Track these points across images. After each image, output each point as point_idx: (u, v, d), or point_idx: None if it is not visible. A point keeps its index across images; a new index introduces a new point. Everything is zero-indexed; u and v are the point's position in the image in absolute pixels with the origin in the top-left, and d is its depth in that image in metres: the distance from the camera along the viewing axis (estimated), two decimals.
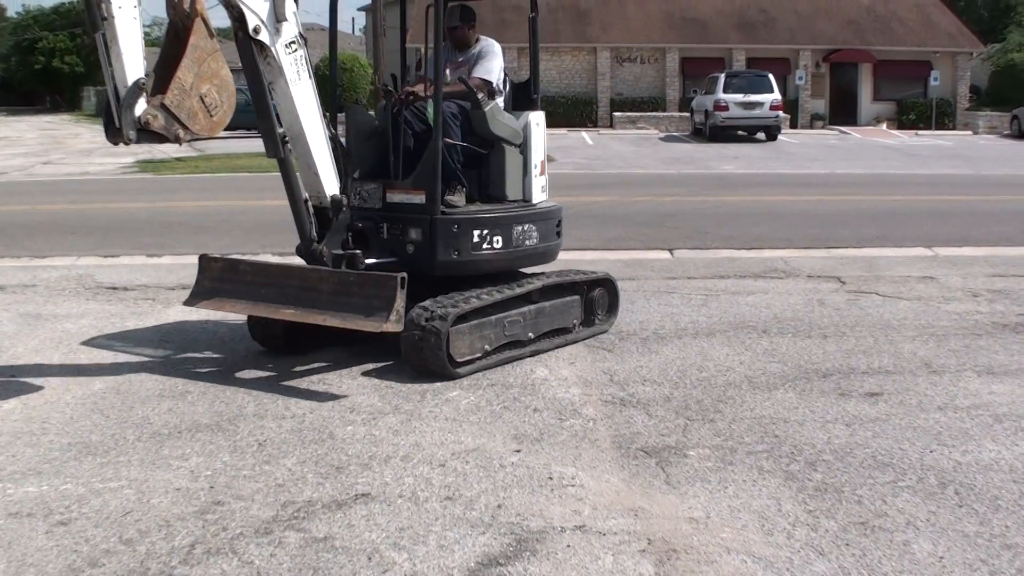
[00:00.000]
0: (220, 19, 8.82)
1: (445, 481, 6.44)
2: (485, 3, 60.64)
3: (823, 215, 20.33)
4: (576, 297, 10.04)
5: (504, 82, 10.23)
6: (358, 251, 9.08)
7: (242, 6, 8.14)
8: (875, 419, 7.65)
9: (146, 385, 8.70)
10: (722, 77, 48.66)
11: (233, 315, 10.06)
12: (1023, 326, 10.60)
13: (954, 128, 61.40)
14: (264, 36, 8.31)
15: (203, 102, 7.73)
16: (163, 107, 7.49)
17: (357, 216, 9.36)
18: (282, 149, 8.60)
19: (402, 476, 6.53)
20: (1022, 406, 8.02)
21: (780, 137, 48.34)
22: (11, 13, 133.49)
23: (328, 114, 9.35)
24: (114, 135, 7.58)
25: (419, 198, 9.21)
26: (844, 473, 6.56)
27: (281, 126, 8.61)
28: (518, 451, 6.98)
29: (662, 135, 52.60)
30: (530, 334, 9.43)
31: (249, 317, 9.64)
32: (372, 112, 10.37)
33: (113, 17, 7.27)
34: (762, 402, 8.07)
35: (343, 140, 9.57)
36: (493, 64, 10.09)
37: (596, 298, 10.28)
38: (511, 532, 5.69)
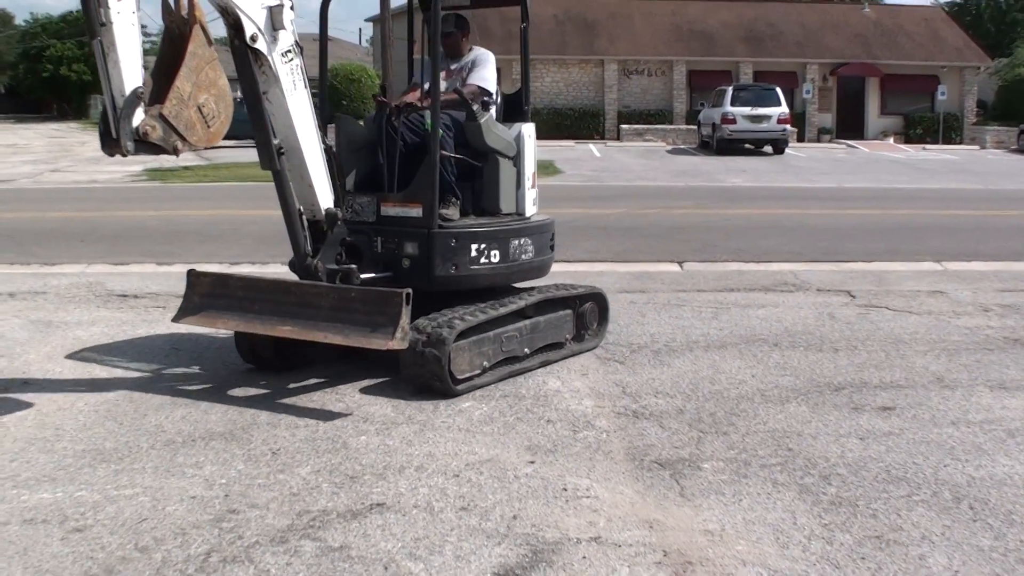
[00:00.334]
0: (217, 28, 8.80)
1: (460, 491, 6.44)
2: (493, 14, 60.79)
3: (832, 229, 20.33)
4: (568, 311, 9.94)
5: (496, 93, 10.15)
6: (353, 266, 8.88)
7: (239, 13, 7.94)
8: (888, 433, 7.64)
9: (159, 393, 8.71)
10: (730, 90, 48.70)
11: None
12: None
13: (961, 142, 61.35)
14: (261, 44, 8.11)
15: (201, 112, 7.53)
16: (161, 117, 7.29)
17: (350, 230, 9.11)
18: (277, 161, 8.39)
19: (416, 486, 6.53)
20: None
21: (787, 150, 48.37)
22: (19, 21, 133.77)
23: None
24: (111, 146, 7.28)
25: (416, 211, 9.06)
26: (858, 487, 6.56)
27: (276, 137, 8.40)
28: (532, 462, 6.98)
29: (669, 148, 52.61)
30: (526, 350, 9.31)
31: (236, 333, 9.35)
32: (361, 122, 10.19)
33: (111, 23, 7.04)
34: (775, 415, 8.07)
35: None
36: (488, 73, 10.01)
37: (587, 312, 10.18)
38: (527, 543, 5.68)
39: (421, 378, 8.51)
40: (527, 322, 9.33)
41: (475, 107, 9.42)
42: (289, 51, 8.32)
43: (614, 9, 67.91)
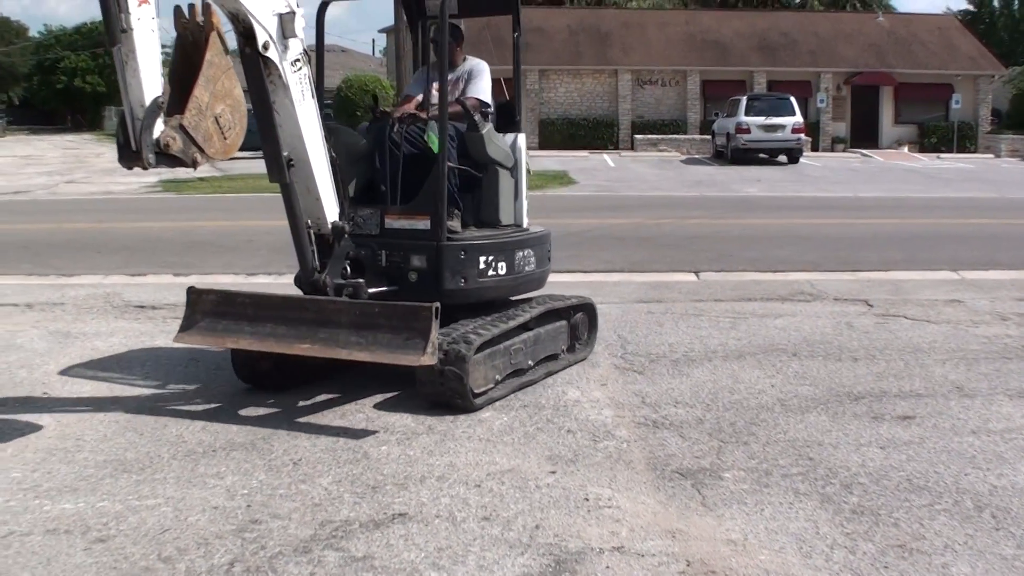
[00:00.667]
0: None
1: (482, 501, 6.44)
2: (505, 24, 60.88)
3: (848, 238, 20.30)
4: (563, 322, 9.86)
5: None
6: (361, 280, 8.75)
7: (252, 20, 7.71)
8: (909, 442, 7.63)
9: (178, 403, 8.73)
10: (744, 100, 48.67)
11: None
12: None
13: (976, 151, 61.28)
14: (272, 53, 7.89)
15: (218, 123, 7.26)
16: (181, 128, 7.02)
17: (352, 243, 8.90)
18: (287, 173, 8.23)
19: (438, 496, 6.53)
20: None
21: (802, 160, 48.34)
22: (33, 33, 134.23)
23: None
24: (130, 159, 7.05)
25: (423, 224, 8.93)
26: (880, 496, 6.55)
27: (284, 149, 8.21)
28: (553, 472, 6.98)
29: (683, 158, 52.61)
30: (529, 362, 9.23)
31: (233, 352, 9.07)
32: (356, 132, 10.01)
33: (131, 29, 6.78)
34: (795, 425, 8.06)
35: None
36: (485, 84, 9.95)
37: (579, 323, 10.11)
38: (549, 553, 5.68)
39: (441, 396, 8.40)
40: (530, 334, 9.25)
41: (477, 118, 9.35)
42: (298, 60, 8.15)
43: (628, 19, 68.10)
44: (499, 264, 9.22)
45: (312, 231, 8.58)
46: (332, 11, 10.00)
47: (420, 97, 9.97)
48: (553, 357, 9.64)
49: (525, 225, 9.97)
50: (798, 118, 48.07)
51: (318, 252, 8.63)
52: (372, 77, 59.35)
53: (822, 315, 12.32)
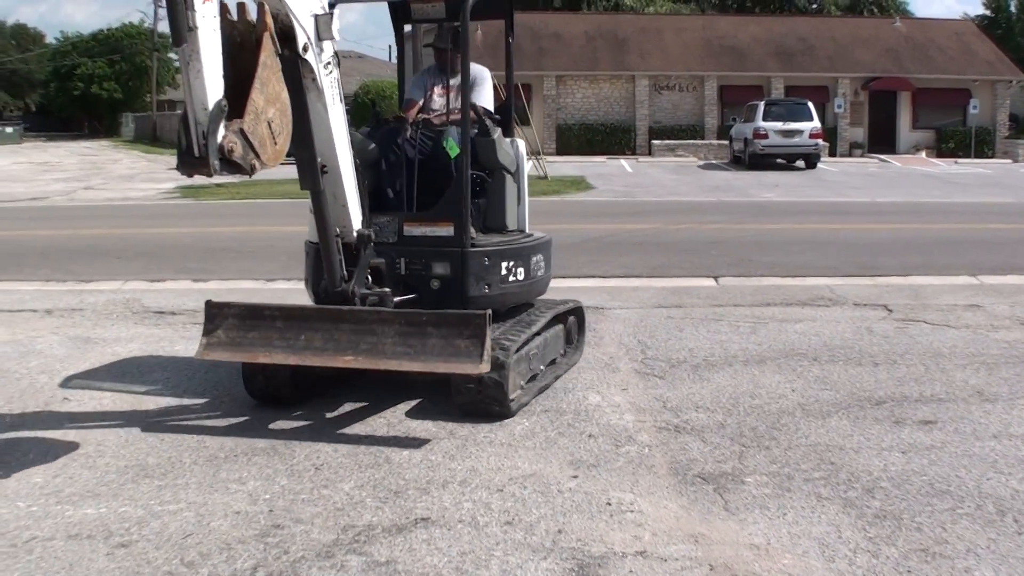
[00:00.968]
0: None
1: (504, 506, 6.44)
2: (524, 32, 60.80)
3: (866, 243, 20.26)
4: (561, 326, 9.82)
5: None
6: (387, 289, 8.58)
7: (294, 21, 7.45)
8: (930, 447, 7.61)
9: (199, 408, 8.76)
10: (761, 105, 48.59)
11: None
12: None
13: (993, 156, 61.18)
14: (311, 55, 7.66)
15: (270, 128, 6.92)
16: (241, 133, 6.69)
17: (374, 251, 8.68)
18: (321, 180, 8.03)
19: (461, 501, 6.54)
20: None
21: (819, 165, 48.25)
22: (50, 39, 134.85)
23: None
24: (192, 165, 6.69)
25: (445, 230, 8.77)
26: (902, 500, 6.53)
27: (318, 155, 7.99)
28: (575, 477, 6.97)
29: (701, 163, 52.59)
30: (541, 367, 9.18)
31: (245, 366, 8.71)
32: (364, 137, 9.64)
33: (197, 28, 6.49)
34: (816, 429, 8.05)
35: None
36: (488, 91, 9.87)
37: (571, 327, 10.09)
38: (573, 557, 5.68)
39: (479, 403, 8.31)
40: (540, 339, 9.19)
41: (488, 123, 9.28)
42: (330, 63, 7.98)
43: (645, 24, 68.12)
44: (518, 270, 9.16)
45: (339, 240, 8.38)
46: (349, 17, 9.97)
47: (422, 102, 9.91)
48: (553, 361, 9.62)
49: (527, 230, 9.92)
50: (816, 123, 48.01)
51: (344, 261, 8.45)
52: (390, 83, 59.48)
53: (842, 320, 12.30)
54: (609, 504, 6.48)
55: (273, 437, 7.90)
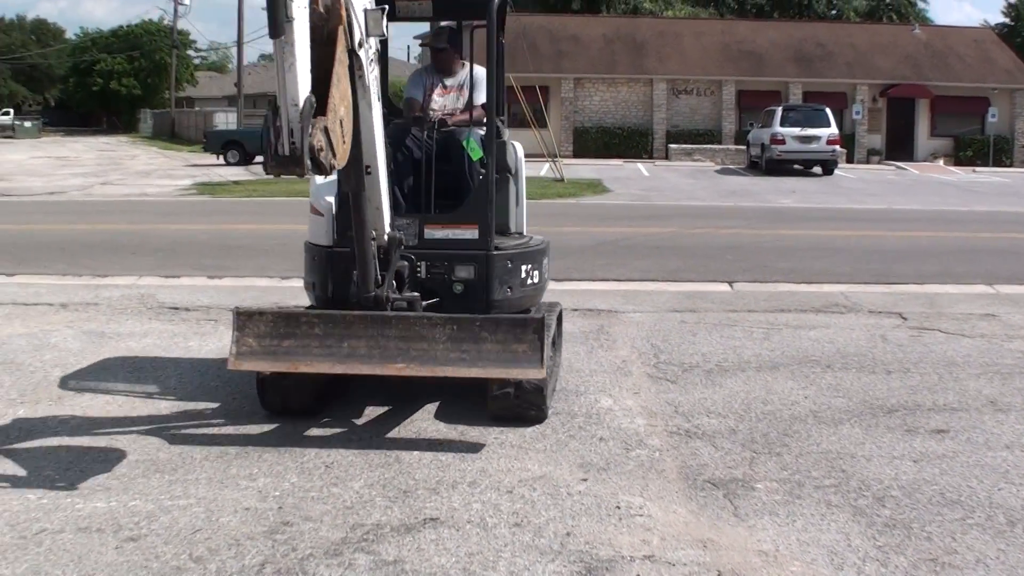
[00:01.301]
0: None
1: (513, 508, 6.44)
2: (542, 34, 60.74)
3: (882, 251, 20.22)
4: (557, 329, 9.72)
5: None
6: (416, 294, 8.38)
7: (352, 15, 7.02)
8: (942, 456, 7.59)
9: (211, 405, 8.77)
10: (779, 110, 48.50)
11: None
12: None
13: (1012, 165, 60.99)
14: (363, 52, 7.32)
15: (341, 127, 6.68)
16: (325, 131, 6.46)
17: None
18: (365, 181, 7.73)
19: (470, 501, 6.54)
20: None
21: (837, 171, 48.14)
22: (69, 35, 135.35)
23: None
24: (283, 165, 6.45)
25: (470, 233, 8.65)
26: (912, 509, 6.52)
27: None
28: (585, 479, 6.97)
29: (718, 167, 52.52)
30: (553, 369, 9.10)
31: (263, 378, 8.28)
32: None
33: (293, 19, 6.28)
34: (828, 436, 8.03)
35: None
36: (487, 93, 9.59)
37: (553, 327, 9.95)
38: (580, 560, 5.68)
39: (516, 409, 8.23)
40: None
41: (500, 124, 9.21)
42: (373, 59, 7.70)
43: (663, 28, 68.07)
44: (534, 272, 9.13)
45: (375, 243, 8.12)
46: None
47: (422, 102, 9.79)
48: None
49: (525, 232, 9.87)
50: (833, 129, 47.89)
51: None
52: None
53: (856, 327, 12.28)
54: (618, 508, 6.48)
55: (284, 434, 7.93)
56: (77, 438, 7.78)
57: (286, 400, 8.38)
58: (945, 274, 16.85)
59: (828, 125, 47.56)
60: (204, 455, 7.40)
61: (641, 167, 52.09)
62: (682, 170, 50.35)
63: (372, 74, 7.67)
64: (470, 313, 8.08)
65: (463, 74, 9.68)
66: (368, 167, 7.78)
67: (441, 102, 9.43)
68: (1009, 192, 40.48)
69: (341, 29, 6.76)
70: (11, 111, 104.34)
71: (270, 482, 6.86)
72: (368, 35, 7.39)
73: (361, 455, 7.43)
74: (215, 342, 11.00)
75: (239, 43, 68.61)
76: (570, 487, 6.82)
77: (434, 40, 9.74)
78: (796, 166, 47.60)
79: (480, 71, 9.58)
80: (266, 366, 7.93)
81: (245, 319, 7.87)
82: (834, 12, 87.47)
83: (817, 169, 47.88)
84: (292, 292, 13.57)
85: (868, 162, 61.00)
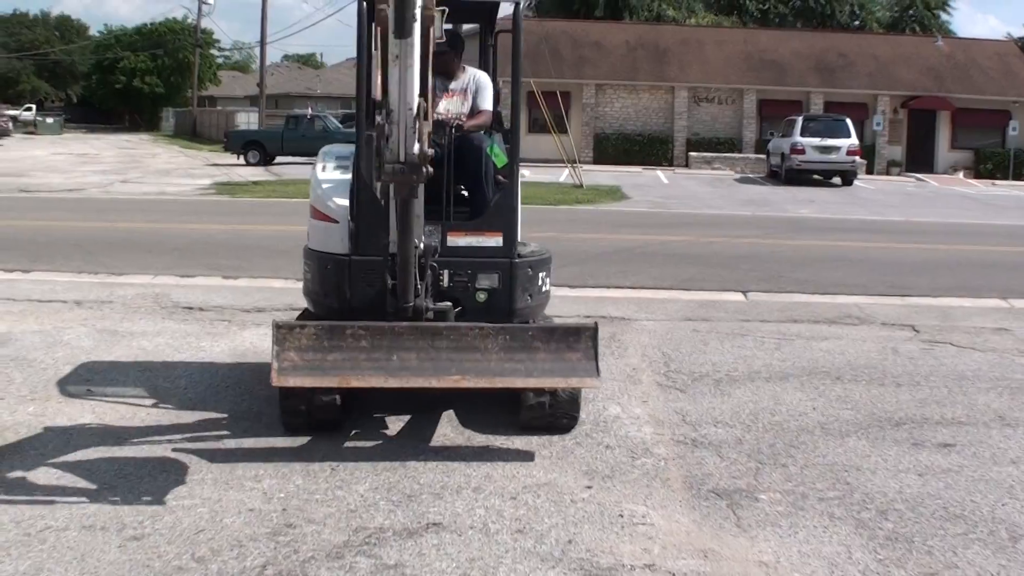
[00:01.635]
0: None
1: (516, 514, 6.47)
2: (564, 40, 60.72)
3: (899, 262, 20.15)
4: None
5: None
6: (449, 303, 8.23)
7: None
8: (947, 470, 7.60)
9: (220, 405, 8.80)
10: (799, 120, 48.39)
11: None
12: None
13: None
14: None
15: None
16: (428, 136, 6.42)
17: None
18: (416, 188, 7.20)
19: (473, 507, 6.57)
20: None
21: (856, 182, 48.01)
22: (93, 32, 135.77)
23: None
24: (402, 173, 6.40)
25: (494, 240, 8.50)
26: (915, 523, 6.53)
27: None
28: (589, 487, 7.00)
29: (737, 176, 52.42)
30: None
31: (288, 393, 7.80)
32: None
33: (416, 20, 6.24)
34: (834, 449, 8.04)
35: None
36: (492, 97, 9.49)
37: None
38: (581, 568, 5.70)
39: (549, 418, 8.20)
40: None
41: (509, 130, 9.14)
42: None
43: (686, 36, 67.93)
44: (547, 279, 9.07)
45: (417, 251, 7.83)
46: None
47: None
48: None
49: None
50: (853, 140, 47.77)
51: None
52: None
53: (868, 339, 12.26)
54: (621, 516, 6.50)
55: (291, 436, 7.94)
56: (85, 436, 7.83)
57: (310, 413, 7.99)
58: (960, 287, 16.79)
59: (848, 136, 47.45)
60: (211, 456, 7.44)
61: (660, 174, 52.04)
62: (701, 178, 50.30)
63: None
64: (492, 321, 7.97)
65: (465, 78, 9.48)
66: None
67: (446, 106, 9.31)
68: None
69: (432, 28, 6.63)
70: (34, 107, 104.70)
71: (275, 484, 6.89)
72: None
73: (367, 459, 7.48)
74: (227, 343, 11.05)
75: (262, 43, 68.60)
76: (574, 494, 6.84)
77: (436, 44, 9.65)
78: (816, 176, 47.49)
79: (482, 75, 9.55)
80: (313, 381, 7.47)
81: (285, 332, 7.42)
82: (857, 23, 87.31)
83: (836, 180, 47.77)
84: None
85: (888, 173, 60.79)
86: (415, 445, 7.87)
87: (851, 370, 10.59)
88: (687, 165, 58.27)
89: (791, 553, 6.02)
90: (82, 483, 6.81)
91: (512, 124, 8.86)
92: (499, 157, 8.90)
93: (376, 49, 6.77)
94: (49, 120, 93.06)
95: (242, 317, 12.39)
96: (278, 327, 7.40)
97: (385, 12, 6.35)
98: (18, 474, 6.98)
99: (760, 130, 61.95)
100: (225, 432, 8.07)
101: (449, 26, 9.25)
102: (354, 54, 9.05)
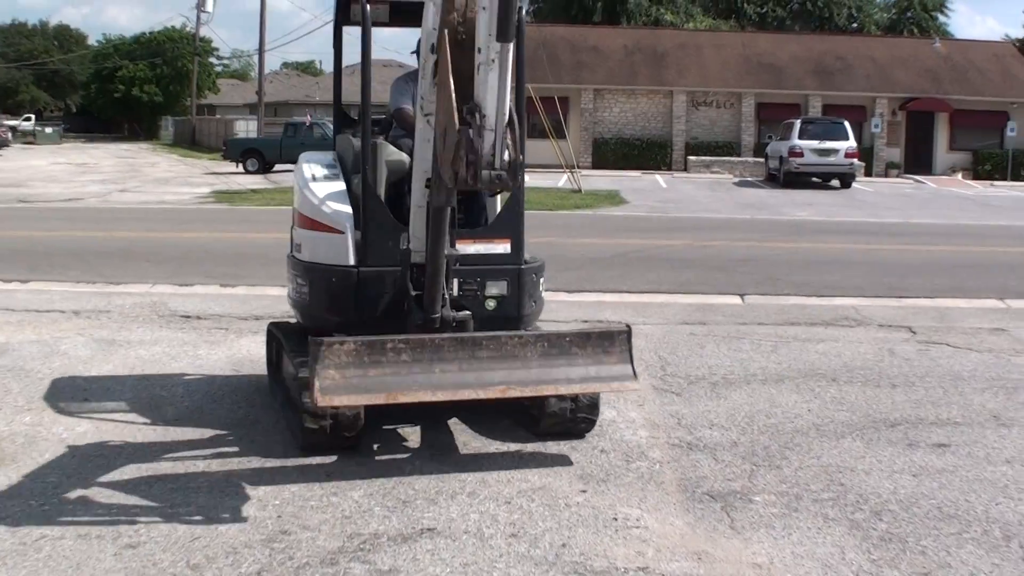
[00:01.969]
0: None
1: (510, 518, 6.48)
2: (562, 45, 60.68)
3: (896, 264, 20.17)
4: None
5: None
6: (468, 312, 7.99)
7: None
8: (942, 470, 7.61)
9: (216, 413, 8.81)
10: (798, 123, 48.39)
11: None
12: None
13: None
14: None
15: None
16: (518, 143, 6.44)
17: (416, 270, 7.93)
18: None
19: (468, 512, 6.58)
20: None
21: (854, 185, 48.04)
22: (92, 41, 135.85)
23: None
24: (499, 181, 6.50)
25: (502, 247, 8.46)
26: (909, 523, 6.54)
27: None
28: (584, 491, 7.01)
29: (736, 180, 52.41)
30: None
31: (305, 409, 7.46)
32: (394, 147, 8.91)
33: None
34: (829, 450, 8.05)
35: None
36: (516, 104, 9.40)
37: None
38: (574, 571, 5.71)
39: (568, 423, 8.18)
40: None
41: None
42: None
43: (684, 40, 67.97)
44: (544, 285, 9.06)
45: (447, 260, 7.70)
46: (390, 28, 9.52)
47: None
48: None
49: None
50: (851, 143, 47.78)
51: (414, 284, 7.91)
52: None
53: (864, 341, 12.28)
54: (615, 519, 6.51)
55: (288, 443, 7.94)
56: (81, 445, 7.84)
57: (335, 430, 7.58)
58: (957, 288, 16.81)
59: (847, 138, 47.47)
60: (207, 463, 7.45)
61: (659, 179, 52.03)
62: (700, 182, 50.30)
63: None
64: (499, 328, 7.93)
65: None
66: None
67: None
68: None
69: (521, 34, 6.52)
70: (32, 117, 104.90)
71: (270, 490, 6.90)
72: None
73: (362, 464, 7.49)
74: (224, 351, 11.06)
75: (260, 50, 68.62)
76: (568, 498, 6.85)
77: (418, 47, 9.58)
78: (814, 179, 47.49)
79: None
80: (360, 399, 7.18)
81: (324, 348, 7.03)
82: (855, 25, 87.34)
83: (835, 182, 47.80)
84: None
85: (887, 175, 60.79)
86: (410, 450, 7.90)
87: (847, 372, 10.61)
88: (686, 169, 58.30)
89: (785, 554, 6.03)
90: (78, 492, 6.82)
91: (520, 128, 8.69)
92: None
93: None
94: (48, 130, 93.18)
95: (239, 325, 12.40)
96: (315, 344, 7.02)
97: (454, 19, 6.51)
98: (13, 483, 6.99)
99: (759, 133, 62.01)
100: (221, 439, 8.08)
101: None
102: (354, 61, 8.96)
